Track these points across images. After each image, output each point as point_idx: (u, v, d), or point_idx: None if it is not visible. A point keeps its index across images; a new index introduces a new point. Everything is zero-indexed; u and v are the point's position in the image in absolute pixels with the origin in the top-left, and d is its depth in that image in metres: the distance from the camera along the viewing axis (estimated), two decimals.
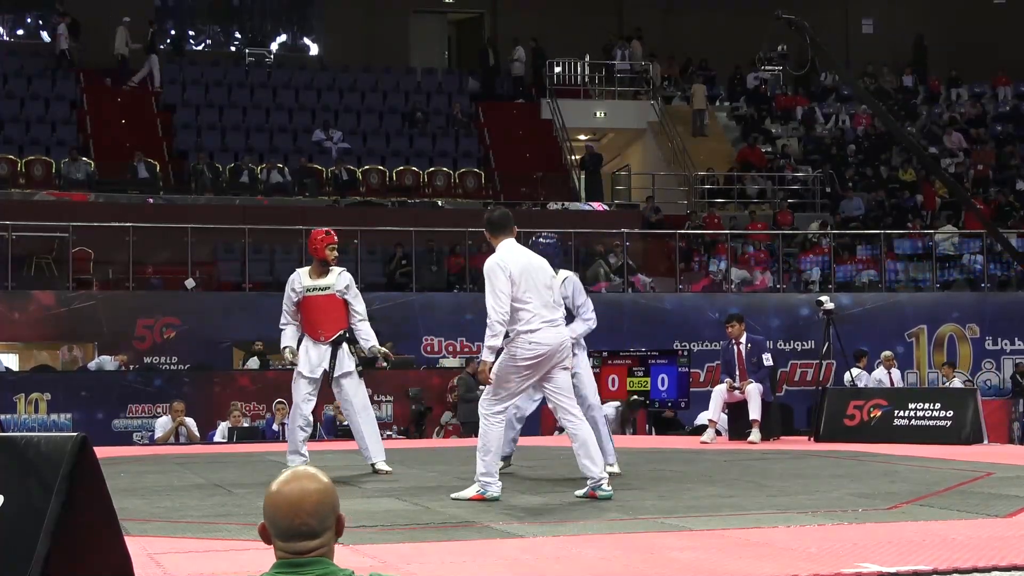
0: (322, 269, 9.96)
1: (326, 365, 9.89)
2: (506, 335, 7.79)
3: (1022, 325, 22.90)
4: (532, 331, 7.69)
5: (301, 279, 9.98)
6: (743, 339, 13.75)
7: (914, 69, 33.08)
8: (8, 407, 18.08)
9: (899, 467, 10.15)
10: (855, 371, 17.16)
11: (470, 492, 7.80)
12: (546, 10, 32.31)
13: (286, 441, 10.61)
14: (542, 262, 7.99)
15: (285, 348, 10.05)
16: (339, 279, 9.92)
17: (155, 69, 28.73)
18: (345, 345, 9.91)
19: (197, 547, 6.15)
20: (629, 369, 17.16)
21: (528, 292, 7.73)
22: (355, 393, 10.01)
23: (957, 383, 20.04)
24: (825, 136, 30.62)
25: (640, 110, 31.01)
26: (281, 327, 10.10)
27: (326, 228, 10.19)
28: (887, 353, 18.69)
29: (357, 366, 9.99)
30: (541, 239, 9.44)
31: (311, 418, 10.10)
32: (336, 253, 10.04)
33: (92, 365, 19.49)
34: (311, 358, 9.91)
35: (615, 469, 9.59)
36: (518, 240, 8.08)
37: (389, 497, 8.28)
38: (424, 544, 6.11)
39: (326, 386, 10.15)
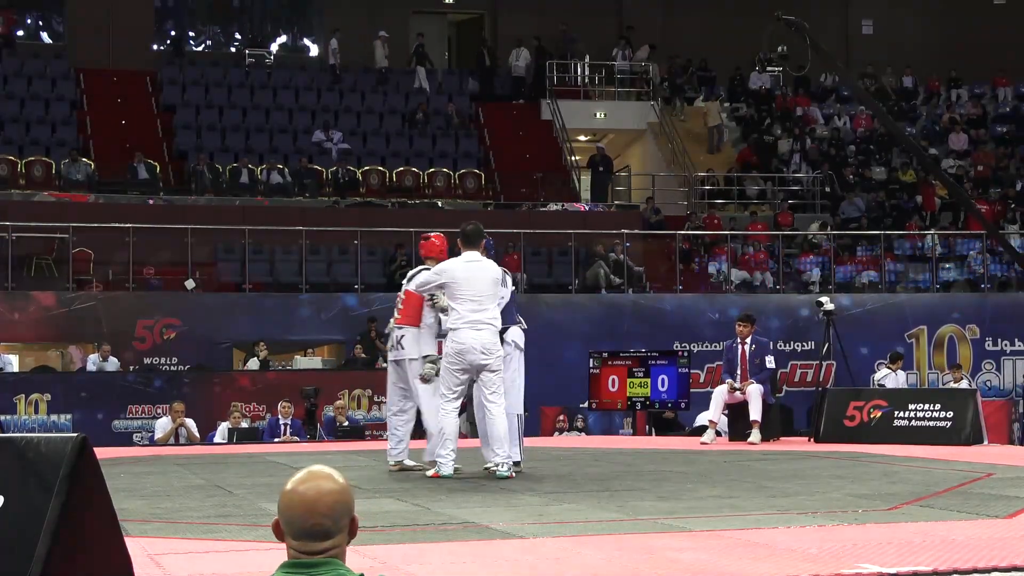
0: None
1: None
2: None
3: (1022, 326, 22.89)
4: (455, 330, 9.08)
5: None
6: (748, 340, 13.77)
7: None
8: (8, 408, 18.08)
9: (899, 468, 10.15)
10: (883, 372, 17.14)
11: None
12: (546, 10, 32.27)
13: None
14: (484, 272, 9.10)
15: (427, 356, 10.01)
16: None
17: (423, 80, 29.87)
18: None
19: (197, 548, 6.15)
20: (629, 370, 17.15)
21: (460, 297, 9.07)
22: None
23: (964, 385, 20.01)
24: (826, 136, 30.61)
25: (640, 111, 31.00)
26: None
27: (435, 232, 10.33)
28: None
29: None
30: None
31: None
32: None
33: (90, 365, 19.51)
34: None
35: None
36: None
37: (389, 497, 8.28)
38: (425, 545, 6.10)
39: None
